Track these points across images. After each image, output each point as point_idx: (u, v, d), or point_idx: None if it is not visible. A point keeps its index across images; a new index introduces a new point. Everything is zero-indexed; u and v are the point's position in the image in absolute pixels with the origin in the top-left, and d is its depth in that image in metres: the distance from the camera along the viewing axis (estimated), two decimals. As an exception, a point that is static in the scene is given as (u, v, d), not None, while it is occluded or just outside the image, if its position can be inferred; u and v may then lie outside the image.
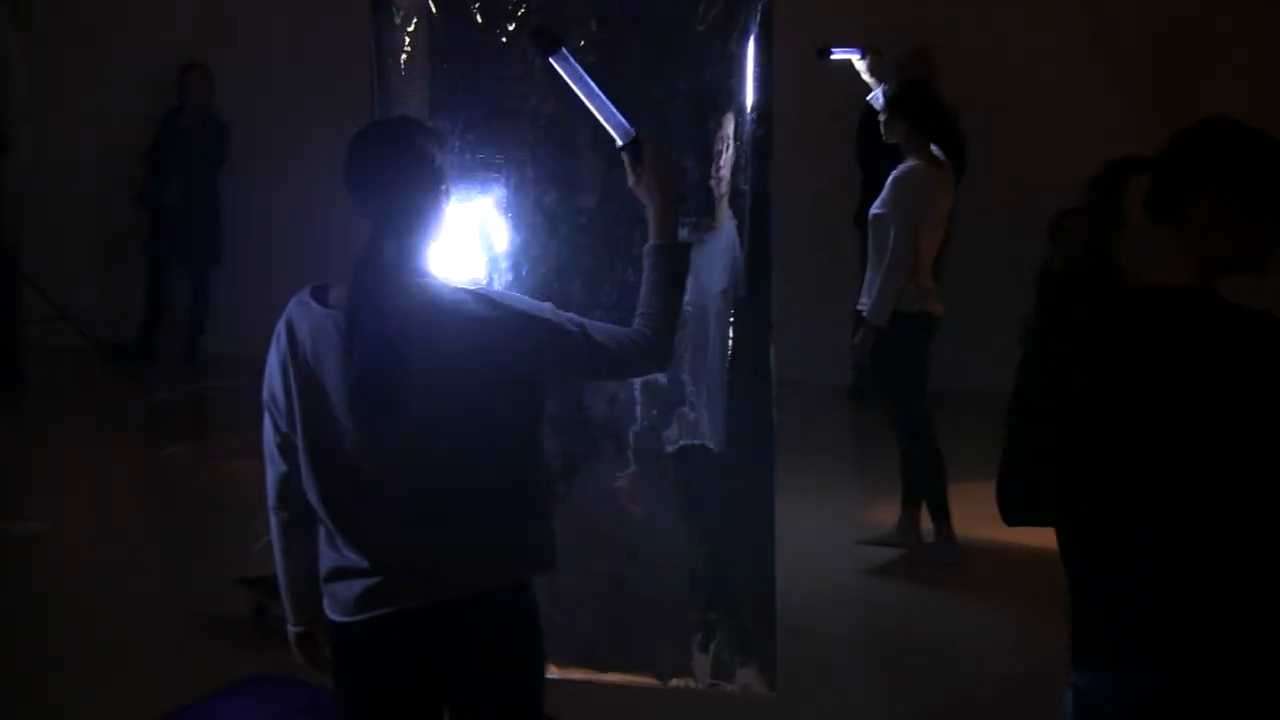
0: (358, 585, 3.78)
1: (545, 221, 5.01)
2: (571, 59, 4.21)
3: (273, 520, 4.03)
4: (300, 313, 3.83)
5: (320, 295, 3.83)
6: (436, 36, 5.23)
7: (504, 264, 4.95)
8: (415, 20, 5.19)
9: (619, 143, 4.13)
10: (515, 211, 5.00)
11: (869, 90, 8.30)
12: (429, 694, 3.87)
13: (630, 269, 4.70)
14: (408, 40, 5.22)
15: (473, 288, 3.84)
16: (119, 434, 11.45)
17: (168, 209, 13.24)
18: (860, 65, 8.23)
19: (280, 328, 3.88)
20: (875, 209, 8.10)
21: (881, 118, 8.12)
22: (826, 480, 9.70)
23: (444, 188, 3.84)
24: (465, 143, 5.10)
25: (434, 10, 5.17)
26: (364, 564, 3.77)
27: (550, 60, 4.20)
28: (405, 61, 5.27)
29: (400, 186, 3.77)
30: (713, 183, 4.87)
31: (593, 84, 4.21)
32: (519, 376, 3.76)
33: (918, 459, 8.36)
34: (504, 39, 5.12)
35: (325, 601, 3.88)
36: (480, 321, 3.71)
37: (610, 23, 5.07)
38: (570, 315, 3.86)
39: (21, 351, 12.24)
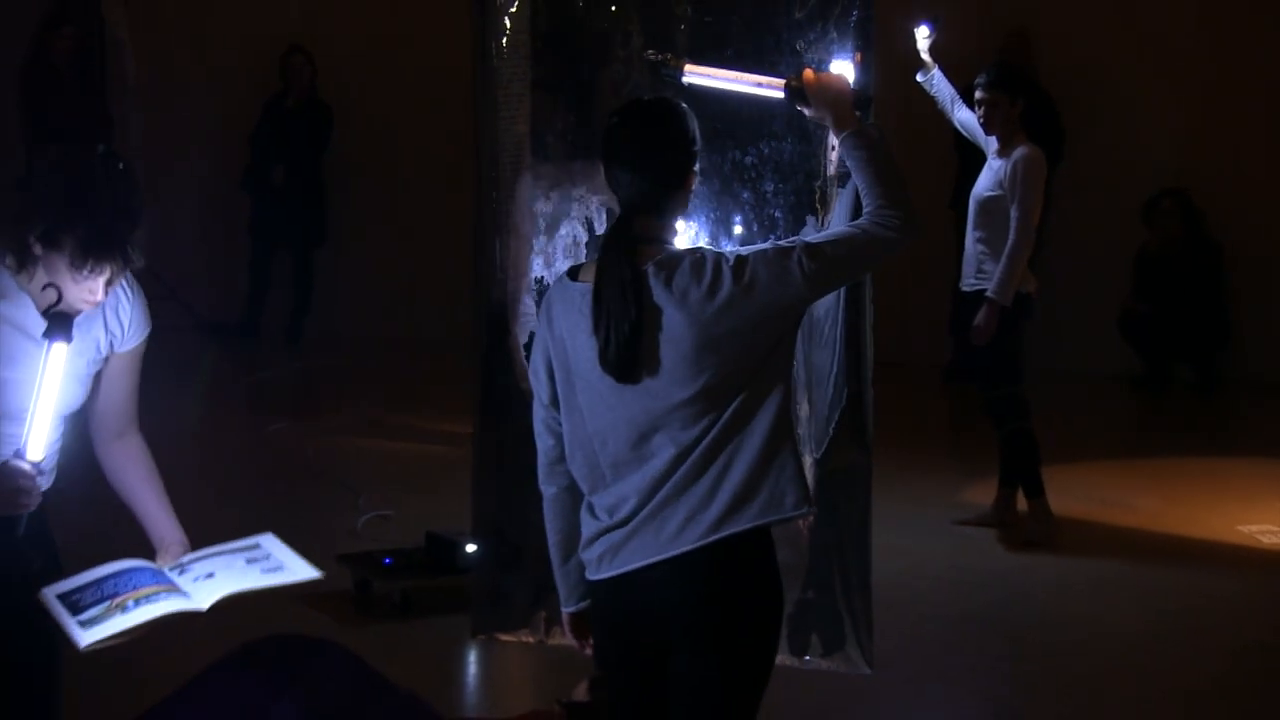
0: (607, 542, 3.90)
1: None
2: (697, 70, 4.27)
3: (544, 496, 4.11)
4: (556, 292, 3.95)
5: (574, 274, 3.94)
6: (538, 18, 5.23)
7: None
8: (517, 2, 5.19)
9: (782, 95, 4.15)
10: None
11: (920, 68, 8.17)
12: (663, 646, 3.95)
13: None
14: (509, 22, 5.23)
15: (707, 248, 3.90)
16: (224, 411, 11.54)
17: (271, 192, 13.33)
18: (923, 41, 8.11)
19: (542, 309, 4.00)
20: (989, 190, 8.07)
21: (982, 101, 8.06)
22: (920, 459, 9.67)
23: (696, 167, 3.94)
24: (566, 125, 5.11)
25: (536, -9, 5.18)
26: (613, 523, 3.89)
27: (683, 82, 4.28)
28: (506, 44, 5.27)
29: (656, 168, 3.87)
30: (821, 166, 4.85)
31: (726, 73, 4.29)
32: (763, 326, 3.81)
33: (1015, 438, 8.33)
34: (605, 23, 5.12)
35: (592, 568, 3.97)
36: (720, 279, 3.78)
37: (711, 6, 5.06)
38: (798, 240, 3.89)
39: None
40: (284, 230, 13.47)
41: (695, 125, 3.95)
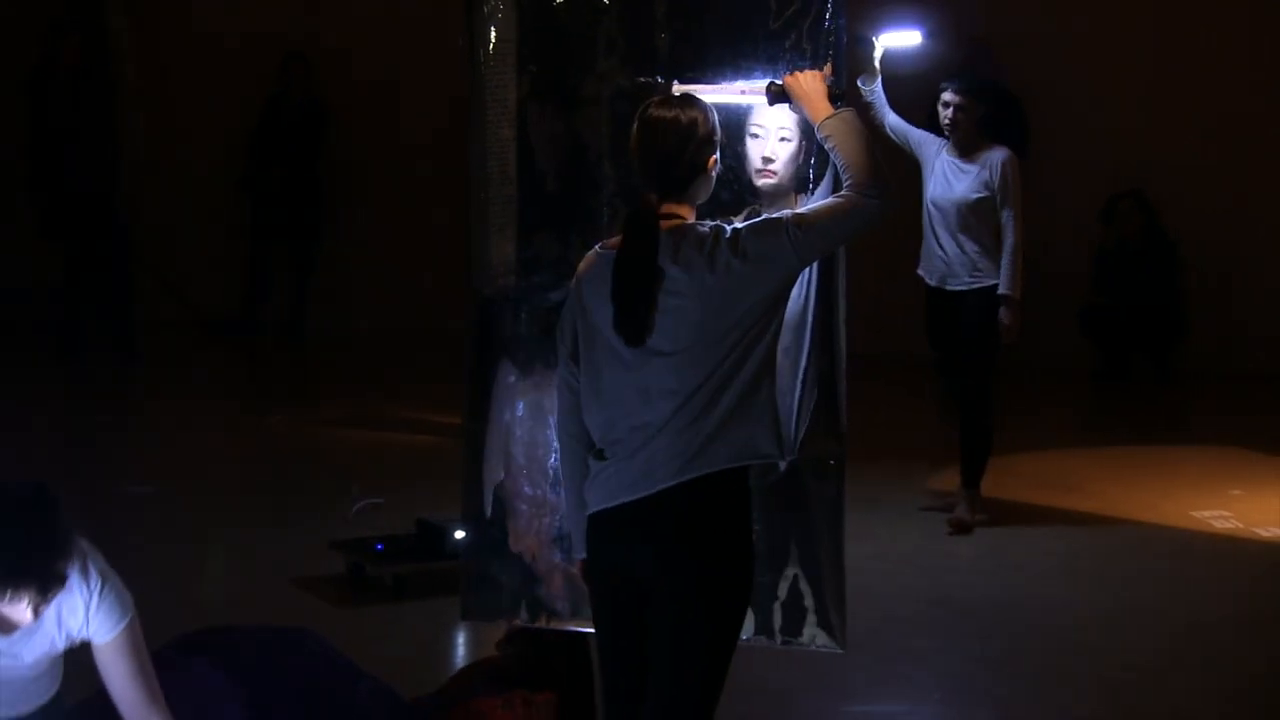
0: (603, 479, 4.20)
1: (622, 205, 5.02)
2: (684, 89, 4.64)
3: (560, 449, 4.44)
4: (586, 262, 4.28)
5: (605, 244, 4.27)
6: (525, 26, 5.24)
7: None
8: (503, 8, 5.20)
9: (766, 98, 4.52)
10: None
11: (865, 74, 7.81)
12: (645, 591, 4.18)
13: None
14: (494, 30, 5.23)
15: (712, 222, 4.23)
16: (223, 403, 11.55)
17: (270, 191, 13.32)
18: (878, 50, 7.75)
19: (576, 276, 4.31)
20: (975, 193, 8.10)
21: (951, 105, 8.07)
22: (888, 448, 9.70)
23: (715, 157, 4.26)
24: (552, 130, 5.12)
25: (523, 3, 5.17)
26: (611, 463, 4.19)
27: (678, 85, 4.69)
28: (493, 50, 5.28)
29: (679, 156, 4.20)
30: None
31: (712, 87, 4.68)
32: (757, 291, 4.10)
33: (986, 434, 8.40)
34: (589, 35, 5.13)
35: (591, 498, 4.25)
36: (719, 249, 4.09)
37: (692, 16, 5.07)
38: (787, 212, 4.22)
39: (135, 325, 12.32)
40: (283, 229, 13.46)
41: (715, 116, 4.27)
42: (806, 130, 4.72)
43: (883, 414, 10.44)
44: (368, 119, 13.79)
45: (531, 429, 5.28)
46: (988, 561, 7.92)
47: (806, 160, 4.84)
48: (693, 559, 4.13)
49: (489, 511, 5.33)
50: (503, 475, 5.33)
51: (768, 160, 4.72)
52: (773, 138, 4.72)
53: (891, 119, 8.11)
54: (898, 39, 7.75)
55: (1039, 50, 12.71)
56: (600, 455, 4.24)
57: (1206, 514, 8.76)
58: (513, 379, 5.34)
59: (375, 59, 13.69)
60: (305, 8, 13.88)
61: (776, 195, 4.75)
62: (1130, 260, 12.45)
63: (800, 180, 4.89)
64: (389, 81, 13.68)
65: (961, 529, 8.27)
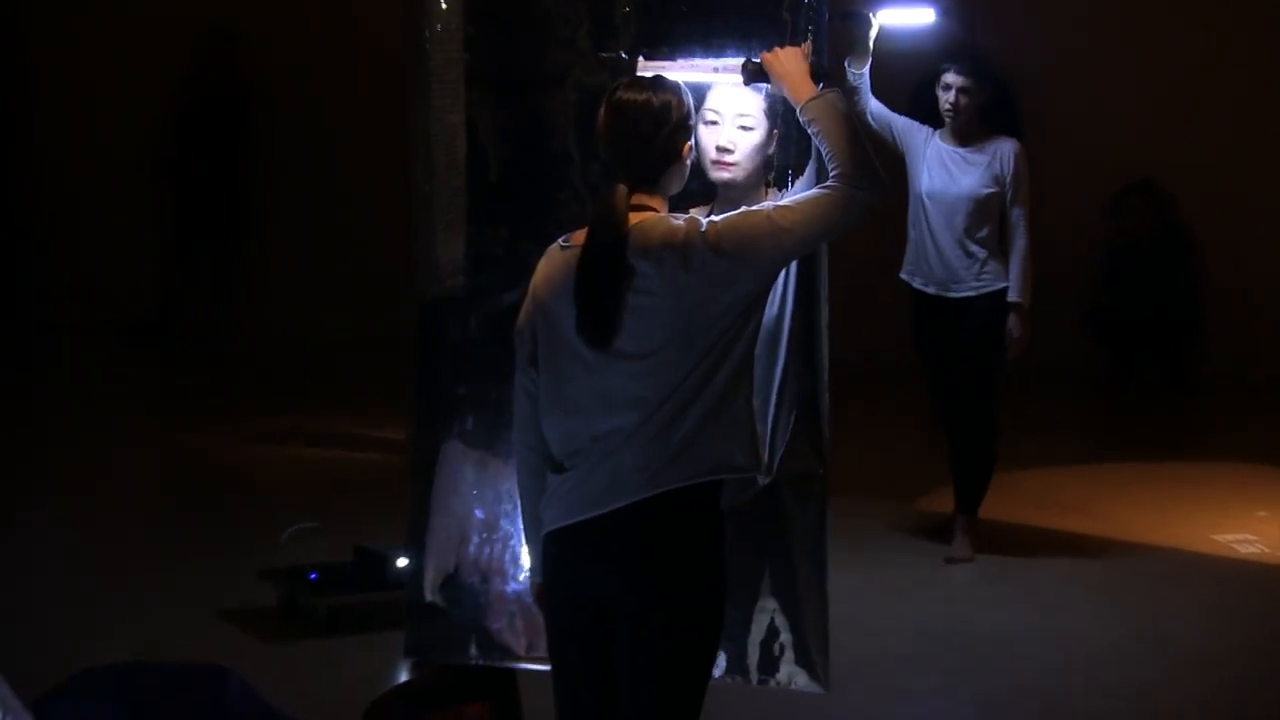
0: (562, 494, 4.21)
1: (588, 195, 5.02)
2: (652, 64, 4.66)
3: (517, 461, 4.45)
4: (547, 258, 4.30)
5: (568, 239, 4.27)
6: (473, 1, 5.23)
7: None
8: (452, -17, 5.19)
9: (741, 79, 4.53)
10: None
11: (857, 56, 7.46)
12: (610, 613, 4.20)
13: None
14: (443, 3, 5.22)
15: (685, 215, 4.26)
16: (141, 418, 11.50)
17: (192, 182, 13.27)
18: (876, 26, 7.19)
19: (534, 273, 4.32)
20: (985, 187, 8.05)
21: (955, 88, 8.02)
22: (875, 467, 9.70)
23: (690, 144, 4.31)
24: (506, 115, 5.11)
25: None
26: (572, 477, 4.20)
27: (644, 60, 4.70)
28: (440, 27, 5.27)
29: (650, 143, 4.22)
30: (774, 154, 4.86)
31: (681, 63, 4.67)
32: (735, 290, 4.12)
33: (989, 457, 8.35)
34: (546, 6, 5.12)
35: (548, 515, 4.27)
36: (693, 245, 4.10)
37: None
38: (767, 204, 4.24)
39: (33, 330, 12.23)
40: (206, 224, 13.41)
41: (689, 99, 4.30)
42: (777, 115, 4.71)
43: (861, 425, 10.43)
44: (297, 105, 13.74)
45: (483, 444, 5.27)
46: (987, 591, 7.92)
47: (779, 150, 4.83)
48: (661, 583, 4.14)
49: (435, 536, 5.32)
50: (451, 495, 5.32)
51: (724, 150, 4.64)
52: (729, 124, 4.64)
53: (874, 105, 7.96)
54: (904, 16, 7.54)
55: (1037, 32, 12.74)
56: (560, 468, 4.24)
57: (1229, 538, 8.78)
58: (462, 390, 5.32)
59: (305, 38, 13.66)
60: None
61: (738, 190, 4.68)
62: (1140, 257, 12.50)
63: (780, 171, 4.88)
64: (320, 63, 13.64)
65: (959, 561, 8.25)
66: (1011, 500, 8.79)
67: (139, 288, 13.57)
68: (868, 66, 7.64)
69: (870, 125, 8.00)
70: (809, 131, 4.34)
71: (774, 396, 4.81)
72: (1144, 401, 12.51)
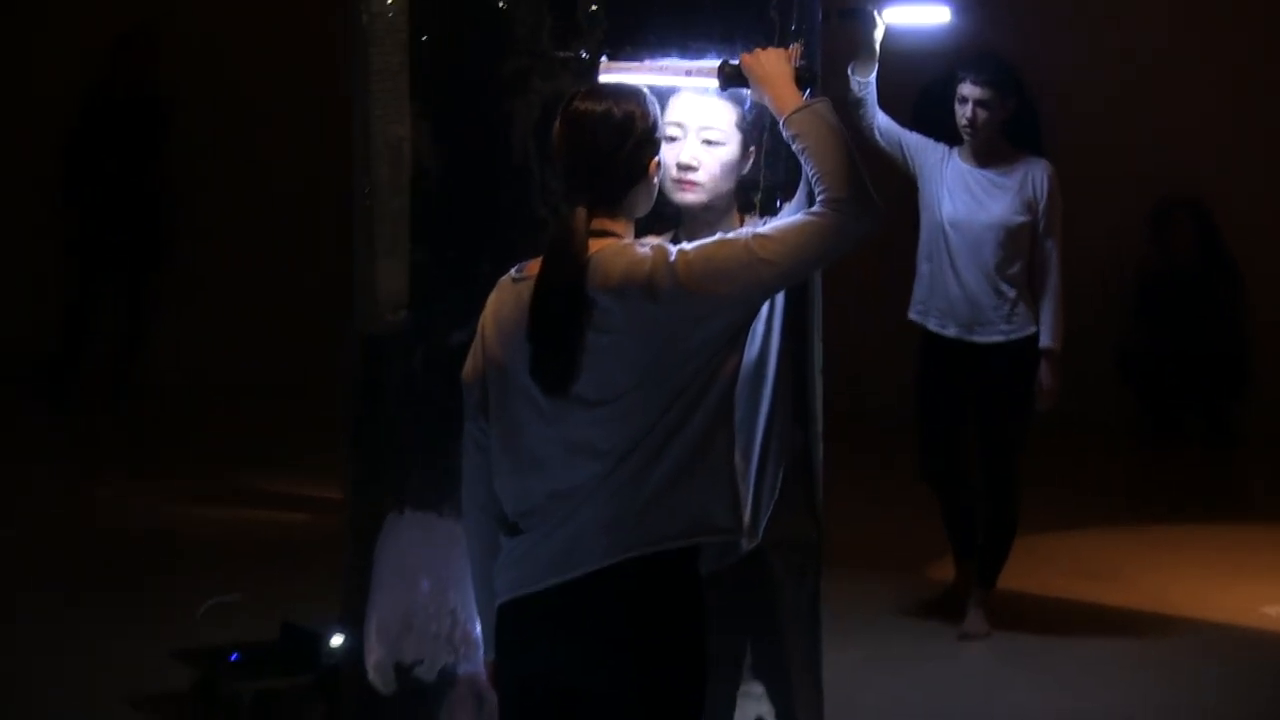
0: (519, 559, 4.20)
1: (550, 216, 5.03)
2: (616, 66, 4.64)
3: (466, 522, 4.44)
4: (497, 291, 4.30)
5: (521, 269, 4.27)
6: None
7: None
8: (395, -20, 5.21)
9: (718, 85, 4.48)
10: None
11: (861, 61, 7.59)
12: (572, 692, 4.20)
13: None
14: (388, 4, 5.24)
15: (651, 242, 4.25)
16: (35, 471, 11.45)
17: (96, 204, 13.23)
18: (881, 26, 7.37)
19: (484, 309, 4.32)
20: (1017, 215, 8.02)
21: (973, 100, 7.99)
22: (874, 528, 9.71)
23: (657, 160, 4.29)
24: (456, 126, 5.12)
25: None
26: (529, 539, 4.19)
27: (606, 62, 4.67)
28: (381, 28, 5.28)
29: (612, 160, 4.21)
30: (759, 174, 4.87)
31: (648, 65, 4.65)
32: (707, 326, 4.11)
33: (1014, 524, 8.30)
34: (501, 5, 5.13)
35: (501, 583, 4.25)
36: (659, 275, 4.07)
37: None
38: (745, 231, 4.20)
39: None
40: (111, 250, 13.38)
41: (655, 109, 4.27)
42: (762, 128, 4.71)
43: (855, 481, 10.42)
44: (218, 116, 13.74)
45: (430, 504, 5.27)
46: (1006, 669, 7.94)
47: (766, 170, 4.83)
48: (631, 661, 4.12)
49: (375, 610, 5.31)
50: (394, 562, 5.32)
51: (685, 168, 4.61)
52: (693, 138, 4.62)
53: (882, 120, 7.92)
54: (914, 15, 7.51)
55: (1067, 29, 12.78)
56: (514, 530, 4.22)
57: (1278, 610, 8.80)
58: (405, 440, 5.32)
59: (232, 42, 13.66)
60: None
61: (712, 215, 4.67)
62: (1180, 287, 12.50)
63: (767, 193, 4.89)
64: (250, 71, 13.64)
65: (974, 637, 8.23)
66: (1032, 567, 8.80)
67: (36, 325, 13.54)
68: (874, 74, 7.64)
69: (878, 143, 7.96)
70: (793, 148, 4.30)
71: (758, 448, 4.81)
72: (1181, 455, 12.54)
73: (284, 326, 13.38)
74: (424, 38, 5.25)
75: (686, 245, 4.16)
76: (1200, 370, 12.50)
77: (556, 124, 4.26)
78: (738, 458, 4.36)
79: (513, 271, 4.27)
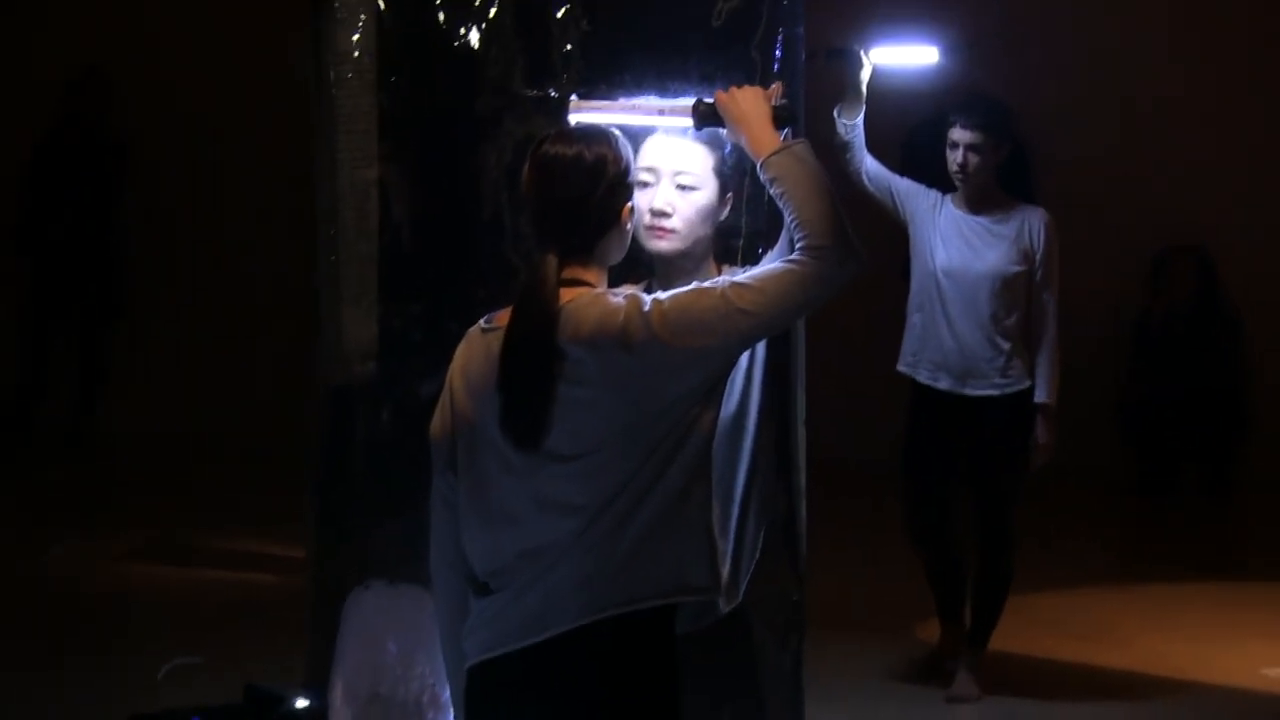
0: (489, 619, 4.20)
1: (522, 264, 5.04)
2: (586, 105, 4.66)
3: (434, 582, 4.42)
4: (466, 342, 4.32)
5: (491, 319, 4.28)
6: (387, 38, 5.25)
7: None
8: (362, 19, 5.21)
9: (692, 125, 4.49)
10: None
11: (848, 103, 7.71)
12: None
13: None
14: (353, 42, 5.25)
15: (625, 291, 4.25)
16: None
17: (50, 252, 13.22)
18: (868, 66, 7.57)
19: (452, 361, 4.33)
20: (1013, 264, 7.99)
21: (964, 145, 7.98)
22: (859, 587, 9.71)
23: (631, 205, 4.31)
24: (425, 170, 5.13)
25: (384, 7, 5.19)
26: (500, 599, 4.20)
27: (569, 121, 4.59)
28: (349, 70, 5.29)
29: (582, 206, 4.22)
30: (740, 220, 4.89)
31: (620, 104, 4.67)
32: (683, 378, 4.13)
33: (1009, 579, 8.28)
34: (474, 45, 5.14)
35: (470, 645, 4.25)
36: (633, 326, 4.09)
37: (603, 20, 5.10)
38: (721, 280, 4.21)
39: None
40: (69, 298, 13.37)
41: (628, 152, 4.30)
42: (744, 172, 4.72)
43: (841, 537, 10.42)
44: (179, 161, 13.73)
45: (397, 562, 5.26)
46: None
47: (746, 215, 4.84)
48: (609, 712, 4.14)
49: (341, 673, 5.31)
50: (359, 624, 5.31)
51: (659, 214, 4.61)
52: (666, 182, 4.62)
53: (870, 164, 7.92)
54: (902, 55, 7.52)
55: (1062, 66, 12.81)
56: (484, 590, 4.23)
57: (1280, 672, 8.82)
58: (372, 497, 5.32)
59: (193, 86, 13.66)
60: (106, 19, 13.84)
61: (681, 262, 4.67)
62: (1180, 336, 12.52)
63: (749, 240, 4.90)
64: (211, 114, 13.64)
65: (964, 701, 8.22)
66: (1024, 626, 8.79)
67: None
68: (861, 116, 7.65)
69: (866, 188, 7.95)
70: (771, 192, 4.30)
71: (738, 503, 4.80)
72: (1179, 505, 12.54)
73: (246, 376, 13.37)
74: (393, 79, 5.26)
75: (661, 295, 4.17)
76: (1197, 420, 12.52)
77: (525, 168, 4.29)
78: (717, 513, 4.37)
79: (482, 322, 4.28)
